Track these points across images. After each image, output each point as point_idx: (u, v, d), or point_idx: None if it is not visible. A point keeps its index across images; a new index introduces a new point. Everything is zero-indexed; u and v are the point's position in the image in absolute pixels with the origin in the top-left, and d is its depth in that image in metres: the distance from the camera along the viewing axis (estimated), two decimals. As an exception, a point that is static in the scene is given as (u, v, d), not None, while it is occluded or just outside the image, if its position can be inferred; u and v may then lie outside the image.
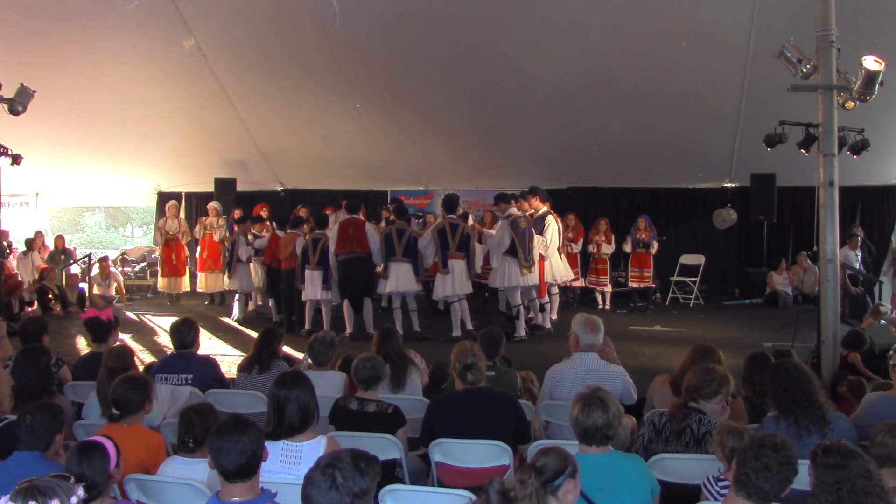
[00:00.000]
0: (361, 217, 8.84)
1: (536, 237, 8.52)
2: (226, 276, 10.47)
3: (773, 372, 3.62)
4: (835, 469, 2.41)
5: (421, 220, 10.34)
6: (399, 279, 8.36)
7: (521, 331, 8.40)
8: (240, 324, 9.73)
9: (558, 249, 9.35)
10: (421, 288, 9.07)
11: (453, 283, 8.25)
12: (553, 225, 8.81)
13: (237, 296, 10.19)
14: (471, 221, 9.47)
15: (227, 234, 11.17)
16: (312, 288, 8.65)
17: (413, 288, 8.53)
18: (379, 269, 8.65)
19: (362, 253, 8.45)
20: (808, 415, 3.39)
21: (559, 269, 9.12)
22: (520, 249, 8.23)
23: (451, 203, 8.65)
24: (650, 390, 4.58)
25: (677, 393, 3.99)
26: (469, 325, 8.28)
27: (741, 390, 4.46)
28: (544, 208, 8.90)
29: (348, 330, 8.55)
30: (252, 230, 10.19)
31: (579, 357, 4.35)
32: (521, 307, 8.49)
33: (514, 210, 8.49)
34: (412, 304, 8.64)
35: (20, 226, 13.55)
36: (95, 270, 12.20)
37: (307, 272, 8.68)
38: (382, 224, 9.64)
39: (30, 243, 11.87)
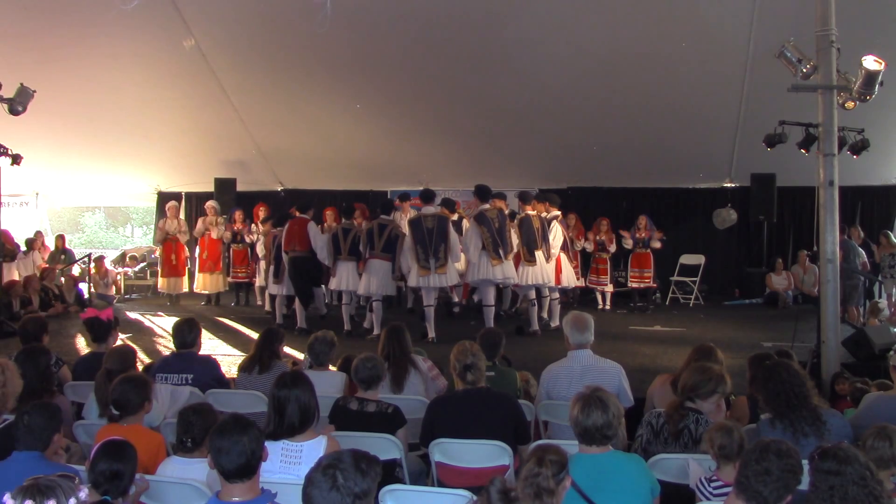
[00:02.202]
0: (307, 217, 9.09)
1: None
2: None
3: (766, 376, 3.60)
4: (829, 474, 2.39)
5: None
6: (344, 277, 8.66)
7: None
8: (240, 324, 9.74)
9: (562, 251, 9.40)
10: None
11: (369, 282, 8.40)
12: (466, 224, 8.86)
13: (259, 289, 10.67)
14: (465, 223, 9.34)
15: (228, 234, 11.22)
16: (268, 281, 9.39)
17: (354, 286, 8.68)
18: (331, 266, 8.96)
19: (302, 252, 8.77)
20: (802, 417, 3.38)
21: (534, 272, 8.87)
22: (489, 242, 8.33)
23: (385, 205, 9.01)
24: (650, 390, 4.57)
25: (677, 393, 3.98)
26: (374, 329, 8.37)
27: (747, 389, 4.46)
28: (484, 206, 8.76)
29: (299, 323, 8.91)
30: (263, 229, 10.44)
31: (574, 355, 4.35)
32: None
33: (485, 206, 8.53)
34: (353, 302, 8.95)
35: (20, 226, 13.53)
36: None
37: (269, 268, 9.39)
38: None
39: (30, 243, 11.86)
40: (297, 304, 9.08)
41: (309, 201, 9.65)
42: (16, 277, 10.47)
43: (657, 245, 11.01)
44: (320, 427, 3.38)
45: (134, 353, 4.53)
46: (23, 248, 11.94)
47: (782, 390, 3.44)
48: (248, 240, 11.09)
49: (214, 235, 11.34)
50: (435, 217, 8.35)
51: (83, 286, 11.59)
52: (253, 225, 11.05)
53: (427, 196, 8.58)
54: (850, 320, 9.13)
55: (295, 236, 8.82)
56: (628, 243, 11.14)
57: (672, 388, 4.22)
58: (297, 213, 9.21)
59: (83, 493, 2.17)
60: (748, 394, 4.37)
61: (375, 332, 8.27)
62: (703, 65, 9.29)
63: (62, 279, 11.28)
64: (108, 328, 5.11)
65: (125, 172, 13.19)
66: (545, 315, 9.38)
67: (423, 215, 8.38)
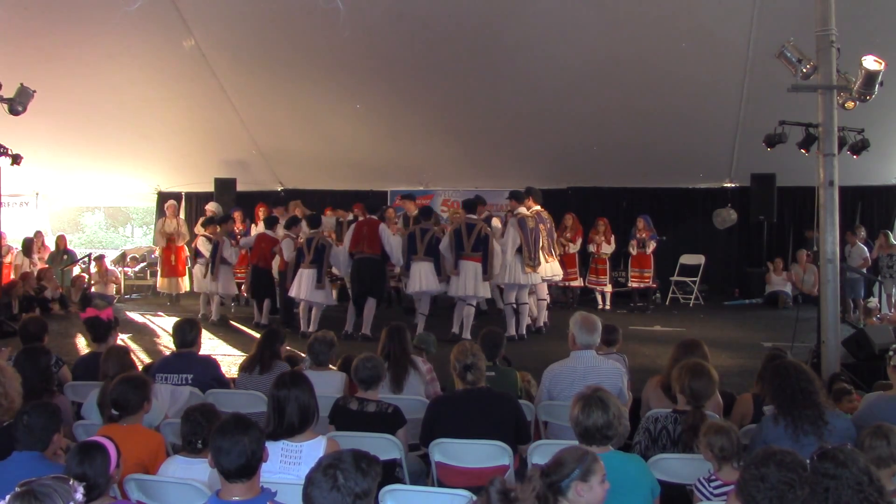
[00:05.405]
0: (377, 218, 8.70)
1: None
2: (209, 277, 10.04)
3: (774, 372, 3.61)
4: (825, 477, 2.38)
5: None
6: (420, 278, 8.29)
7: (520, 329, 8.47)
8: (240, 324, 9.72)
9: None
10: (444, 288, 8.54)
11: (463, 285, 8.09)
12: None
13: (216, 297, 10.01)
14: (496, 223, 8.99)
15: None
16: (304, 287, 8.51)
17: (434, 287, 8.35)
18: (397, 269, 8.69)
19: (371, 254, 8.44)
20: (805, 415, 3.38)
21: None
22: (525, 248, 8.29)
23: (470, 203, 8.55)
24: (645, 393, 4.54)
25: (669, 394, 3.97)
26: (463, 332, 8.08)
27: (755, 385, 4.45)
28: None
29: (347, 329, 8.47)
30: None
31: (577, 355, 4.34)
32: (514, 306, 8.49)
33: (522, 209, 8.50)
34: (424, 307, 8.48)
35: (20, 226, 13.53)
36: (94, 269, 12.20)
37: (302, 271, 8.55)
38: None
39: (30, 244, 11.79)
40: (366, 307, 8.51)
41: (378, 202, 9.11)
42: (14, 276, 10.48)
43: (650, 249, 11.01)
44: (320, 427, 3.38)
45: (128, 351, 4.51)
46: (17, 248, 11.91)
47: (789, 386, 3.44)
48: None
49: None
50: (534, 217, 8.39)
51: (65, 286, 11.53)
52: (253, 225, 11.02)
53: (518, 196, 8.57)
54: (858, 312, 9.13)
55: (364, 238, 8.45)
56: (634, 250, 11.12)
57: (662, 389, 4.20)
58: (366, 214, 8.84)
59: (79, 495, 2.15)
60: (753, 392, 4.37)
61: (465, 335, 7.96)
62: (703, 65, 9.29)
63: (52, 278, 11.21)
64: (108, 328, 5.11)
65: (125, 172, 13.19)
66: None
67: (524, 216, 8.33)
